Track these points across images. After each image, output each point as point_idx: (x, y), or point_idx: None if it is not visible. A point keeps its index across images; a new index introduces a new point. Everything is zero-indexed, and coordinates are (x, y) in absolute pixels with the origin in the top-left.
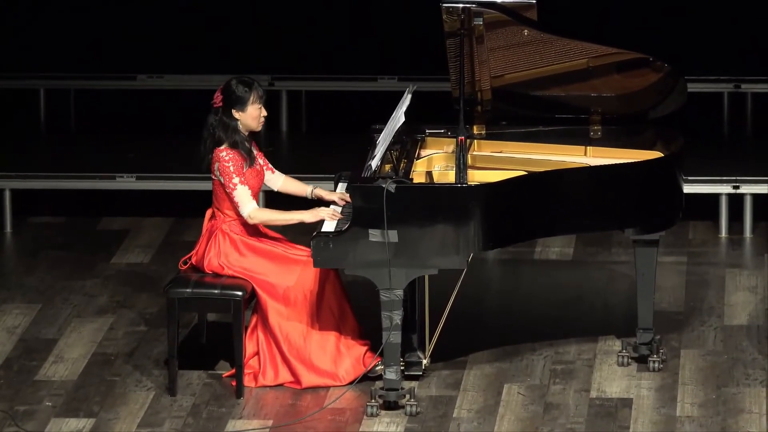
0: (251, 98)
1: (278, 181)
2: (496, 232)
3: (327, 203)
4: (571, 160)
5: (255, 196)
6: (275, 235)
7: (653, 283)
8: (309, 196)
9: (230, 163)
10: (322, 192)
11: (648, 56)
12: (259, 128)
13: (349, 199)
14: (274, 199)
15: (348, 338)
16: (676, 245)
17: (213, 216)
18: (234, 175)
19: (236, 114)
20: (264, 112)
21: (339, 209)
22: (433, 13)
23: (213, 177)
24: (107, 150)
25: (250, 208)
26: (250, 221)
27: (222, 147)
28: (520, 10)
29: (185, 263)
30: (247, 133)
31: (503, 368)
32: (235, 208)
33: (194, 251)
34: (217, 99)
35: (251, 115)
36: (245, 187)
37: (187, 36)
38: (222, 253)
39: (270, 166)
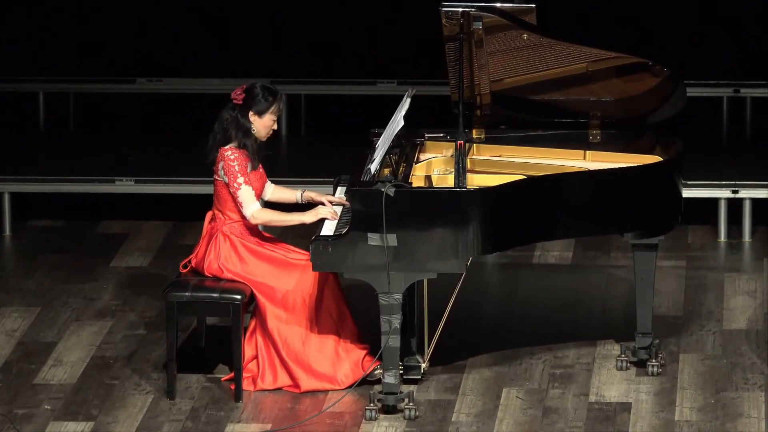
0: (272, 108)
1: (269, 191)
2: (495, 236)
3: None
4: (570, 164)
5: (257, 198)
6: (274, 239)
7: (652, 287)
8: (300, 201)
9: (235, 163)
10: (312, 194)
11: (647, 60)
12: (265, 138)
13: (344, 202)
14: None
15: (347, 342)
16: (675, 249)
17: (213, 218)
18: (239, 175)
19: (252, 117)
20: (275, 126)
21: (339, 209)
22: (432, 17)
23: (216, 178)
24: (106, 153)
25: (254, 208)
26: (253, 221)
27: (228, 146)
28: (519, 14)
29: (185, 266)
30: (255, 138)
31: (502, 372)
32: (238, 208)
33: (194, 253)
34: (239, 97)
35: (265, 124)
36: (249, 188)
37: (187, 39)
38: (222, 256)
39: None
